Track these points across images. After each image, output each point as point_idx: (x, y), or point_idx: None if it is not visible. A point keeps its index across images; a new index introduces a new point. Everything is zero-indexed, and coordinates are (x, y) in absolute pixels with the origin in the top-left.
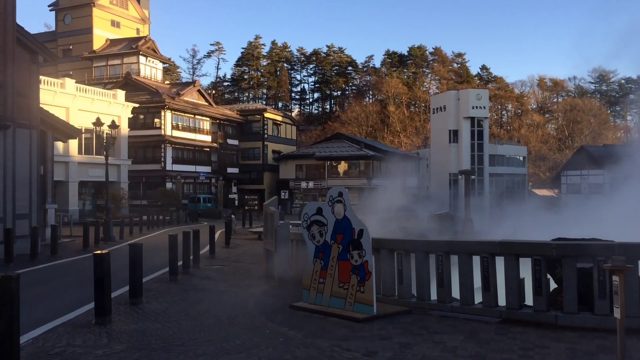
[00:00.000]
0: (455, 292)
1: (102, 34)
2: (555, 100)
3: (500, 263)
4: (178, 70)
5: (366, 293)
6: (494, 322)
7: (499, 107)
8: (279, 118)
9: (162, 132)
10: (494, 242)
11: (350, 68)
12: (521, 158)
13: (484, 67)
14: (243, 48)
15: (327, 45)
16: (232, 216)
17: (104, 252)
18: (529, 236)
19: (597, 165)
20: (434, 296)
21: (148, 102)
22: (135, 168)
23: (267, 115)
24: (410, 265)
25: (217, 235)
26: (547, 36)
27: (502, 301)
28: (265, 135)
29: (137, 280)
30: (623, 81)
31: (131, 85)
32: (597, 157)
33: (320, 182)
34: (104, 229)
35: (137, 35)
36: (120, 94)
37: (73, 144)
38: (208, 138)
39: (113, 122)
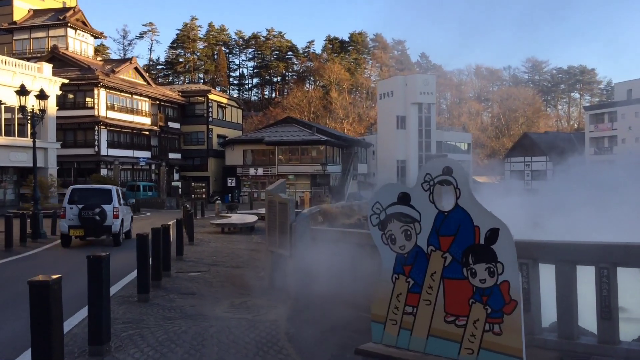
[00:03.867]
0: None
1: (23, 5)
2: (491, 89)
3: None
4: (107, 51)
5: (506, 335)
6: None
7: (438, 94)
8: (224, 100)
9: (96, 113)
10: None
11: (290, 53)
12: (465, 145)
13: (423, 55)
14: (178, 29)
15: (266, 29)
16: (187, 206)
17: (50, 278)
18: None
19: (540, 152)
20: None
21: (79, 78)
22: (65, 152)
23: (211, 97)
24: (538, 282)
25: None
26: (487, 26)
27: None
28: (210, 119)
29: (102, 318)
30: (554, 71)
31: (59, 60)
32: (540, 143)
33: (270, 169)
34: (32, 223)
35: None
36: (47, 67)
37: None
38: (147, 120)
39: (42, 91)
